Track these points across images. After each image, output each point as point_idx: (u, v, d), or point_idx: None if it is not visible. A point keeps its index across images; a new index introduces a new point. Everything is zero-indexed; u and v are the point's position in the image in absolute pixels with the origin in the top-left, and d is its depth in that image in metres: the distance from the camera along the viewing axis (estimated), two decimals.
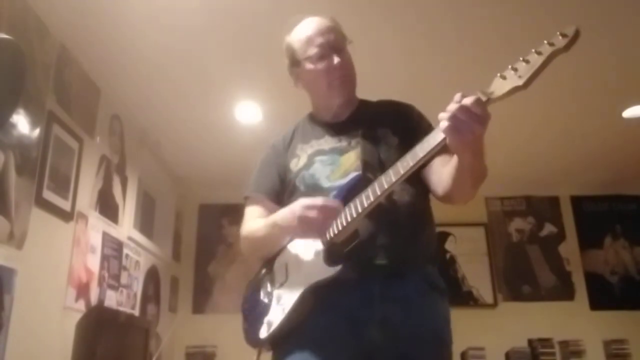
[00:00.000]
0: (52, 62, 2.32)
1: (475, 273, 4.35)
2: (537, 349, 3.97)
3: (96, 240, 2.71)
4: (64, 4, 2.20)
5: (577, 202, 4.56)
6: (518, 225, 4.54)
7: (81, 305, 2.48)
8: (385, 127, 1.30)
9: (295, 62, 1.37)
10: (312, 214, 1.11)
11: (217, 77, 2.80)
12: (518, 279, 4.36)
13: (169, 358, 3.86)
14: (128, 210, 3.19)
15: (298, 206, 1.14)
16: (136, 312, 3.24)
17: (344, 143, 1.30)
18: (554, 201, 4.58)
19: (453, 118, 0.93)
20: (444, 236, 4.48)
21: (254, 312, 1.28)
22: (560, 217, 4.54)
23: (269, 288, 1.27)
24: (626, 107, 3.21)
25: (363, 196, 1.10)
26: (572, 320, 4.15)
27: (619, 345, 3.99)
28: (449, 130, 0.94)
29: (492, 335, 4.04)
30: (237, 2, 2.24)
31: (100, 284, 2.72)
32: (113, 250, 2.92)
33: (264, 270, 1.33)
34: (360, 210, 1.09)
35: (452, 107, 0.94)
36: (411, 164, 1.02)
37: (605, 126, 3.42)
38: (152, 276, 3.63)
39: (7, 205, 1.94)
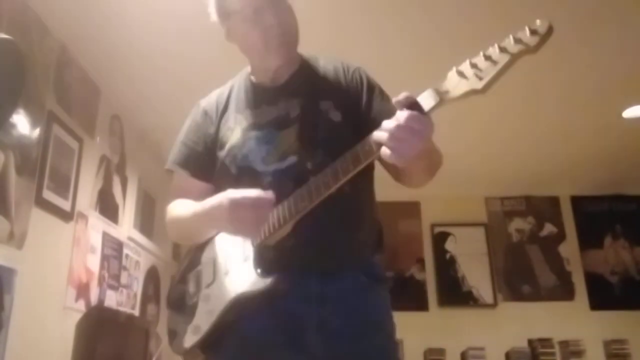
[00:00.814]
0: (52, 62, 2.32)
1: (475, 273, 4.35)
2: (537, 349, 3.97)
3: (96, 240, 2.71)
4: (64, 4, 2.20)
5: (577, 202, 4.56)
6: (518, 225, 4.54)
7: (81, 305, 2.48)
8: (328, 99, 1.16)
9: (224, 15, 1.20)
10: (244, 212, 0.99)
11: (217, 76, 2.79)
12: (518, 279, 4.36)
13: (169, 358, 3.85)
14: (128, 210, 3.19)
15: (227, 201, 1.01)
16: (136, 312, 3.24)
17: (281, 113, 1.15)
18: (554, 201, 4.58)
19: (391, 140, 0.86)
20: (444, 236, 4.48)
21: (179, 313, 1.17)
22: (560, 217, 4.54)
23: (195, 287, 1.15)
24: (626, 107, 3.20)
25: (298, 196, 1.01)
26: (572, 320, 4.16)
27: (619, 345, 3.99)
28: (391, 156, 0.87)
29: (492, 335, 4.04)
30: None
31: (100, 284, 2.72)
32: (113, 250, 2.92)
33: (190, 260, 1.21)
34: (294, 212, 1.01)
35: (389, 125, 0.87)
36: (351, 168, 0.95)
37: (605, 126, 3.42)
38: (152, 276, 3.63)
39: (7, 205, 1.94)
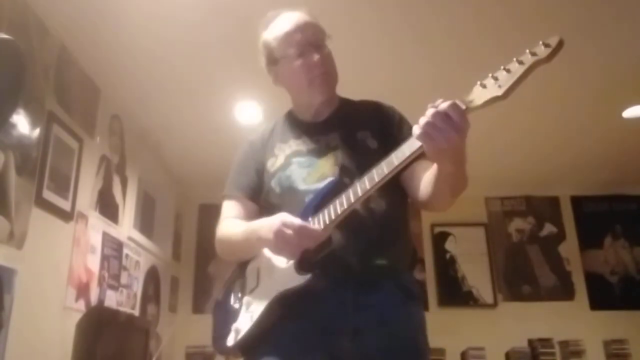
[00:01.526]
0: (52, 62, 2.32)
1: (475, 273, 4.35)
2: (537, 349, 3.97)
3: (96, 240, 2.71)
4: (64, 4, 2.20)
5: (577, 202, 4.56)
6: (518, 225, 4.54)
7: (81, 305, 2.48)
8: (365, 129, 1.27)
9: (273, 61, 1.33)
10: (289, 232, 1.06)
11: (217, 76, 2.80)
12: (518, 279, 4.36)
13: (169, 358, 3.86)
14: (128, 210, 3.19)
15: (277, 220, 1.09)
16: (136, 312, 3.24)
17: (322, 144, 1.27)
18: (554, 201, 4.58)
19: (427, 124, 0.91)
20: (444, 236, 4.48)
21: (223, 317, 1.25)
22: (560, 217, 4.54)
23: (239, 293, 1.25)
24: (626, 107, 3.21)
25: (337, 203, 1.07)
26: (572, 320, 4.16)
27: (619, 345, 3.99)
28: (423, 137, 0.92)
29: (492, 335, 4.04)
30: (237, 2, 2.24)
31: (100, 284, 2.72)
32: (113, 250, 2.92)
33: (236, 274, 1.30)
34: (333, 217, 1.07)
35: (429, 112, 0.92)
36: (386, 171, 1.01)
37: (605, 126, 3.42)
38: (152, 276, 3.63)
39: (7, 205, 1.94)
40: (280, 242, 1.07)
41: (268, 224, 1.11)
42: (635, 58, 2.69)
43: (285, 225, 1.06)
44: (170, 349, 3.90)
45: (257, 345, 1.15)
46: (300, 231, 1.06)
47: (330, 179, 1.16)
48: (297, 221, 1.07)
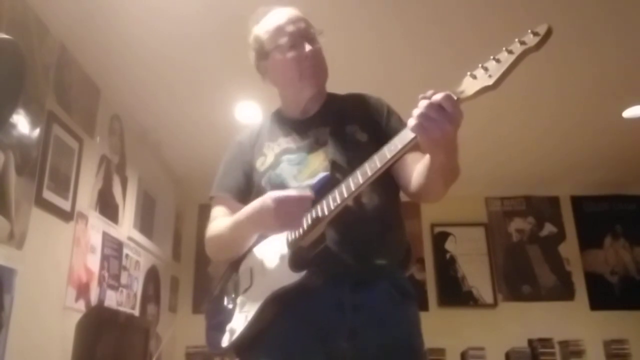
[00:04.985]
0: (52, 62, 2.32)
1: (475, 273, 4.35)
2: (537, 349, 3.97)
3: (96, 240, 2.71)
4: (64, 4, 2.20)
5: (577, 202, 4.56)
6: (518, 225, 4.54)
7: (81, 305, 2.48)
8: (354, 123, 1.26)
9: (263, 55, 1.32)
10: (289, 207, 1.06)
11: (217, 76, 2.80)
12: (518, 279, 4.36)
13: (169, 358, 3.86)
14: (128, 210, 3.19)
15: (270, 200, 1.07)
16: (136, 312, 3.24)
17: (311, 140, 1.26)
18: (554, 201, 4.58)
19: (422, 115, 0.91)
20: (444, 236, 4.48)
21: (217, 318, 1.23)
22: (560, 217, 4.54)
23: (233, 293, 1.23)
24: (626, 107, 3.20)
25: (330, 198, 1.06)
26: (572, 320, 4.16)
27: (619, 345, 3.99)
28: (417, 128, 0.92)
29: (492, 335, 4.04)
30: (238, 2, 2.23)
31: (100, 284, 2.72)
32: (113, 250, 2.92)
33: (229, 274, 1.28)
34: (326, 213, 1.05)
35: (422, 103, 0.92)
36: (379, 165, 1.00)
37: (605, 126, 3.42)
38: (152, 276, 3.63)
39: (7, 205, 1.94)
40: (283, 218, 1.06)
41: (261, 205, 1.10)
42: (635, 58, 2.69)
43: (282, 201, 1.06)
44: (170, 349, 3.90)
45: (252, 345, 1.13)
46: (297, 201, 1.07)
47: (322, 174, 1.14)
48: (291, 193, 1.09)
